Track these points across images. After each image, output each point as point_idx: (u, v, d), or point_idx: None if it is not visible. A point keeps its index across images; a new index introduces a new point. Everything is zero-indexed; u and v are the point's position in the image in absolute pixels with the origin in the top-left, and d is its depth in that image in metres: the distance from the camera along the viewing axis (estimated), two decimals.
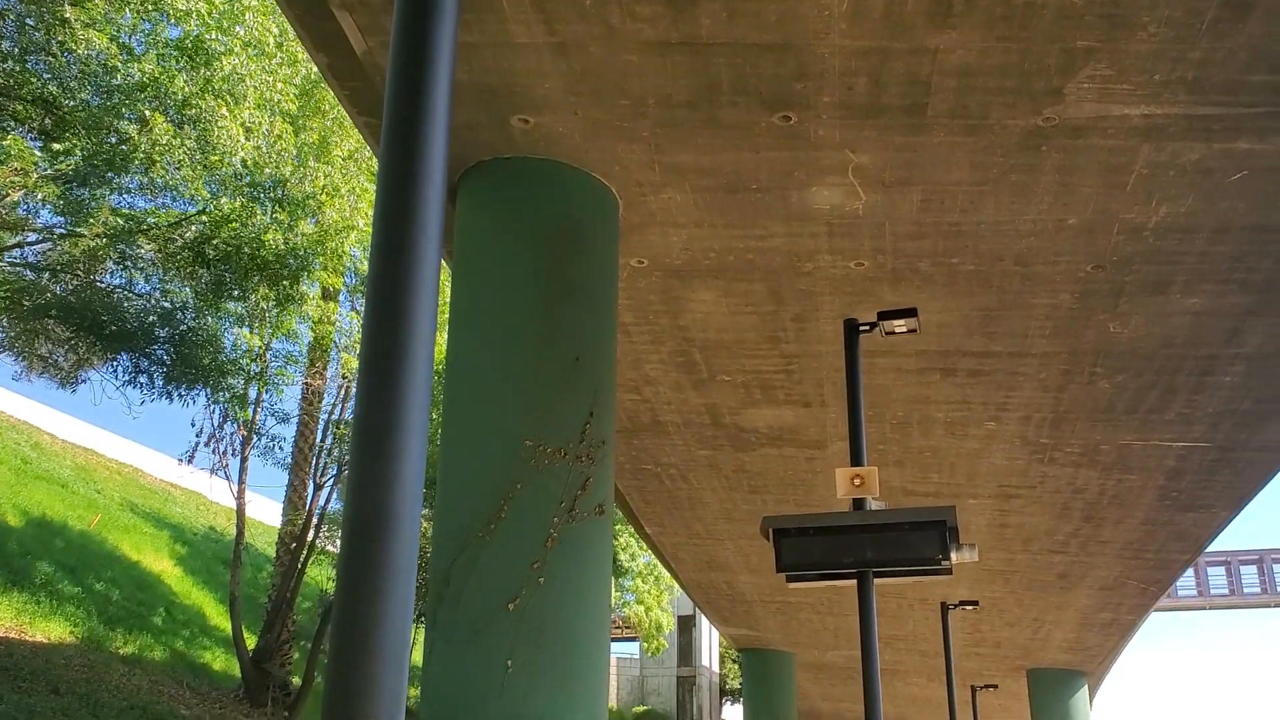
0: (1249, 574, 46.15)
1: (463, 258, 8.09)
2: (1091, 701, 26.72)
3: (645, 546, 28.62)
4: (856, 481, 5.54)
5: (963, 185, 7.88)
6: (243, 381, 14.35)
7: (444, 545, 7.29)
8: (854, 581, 5.54)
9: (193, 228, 12.63)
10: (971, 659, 23.11)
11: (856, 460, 5.74)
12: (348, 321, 17.06)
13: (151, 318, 13.68)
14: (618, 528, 27.82)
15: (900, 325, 6.30)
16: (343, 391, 17.52)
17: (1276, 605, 46.50)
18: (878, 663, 5.39)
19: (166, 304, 13.92)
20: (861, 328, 6.30)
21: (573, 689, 6.93)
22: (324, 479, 17.63)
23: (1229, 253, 8.44)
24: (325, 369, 17.65)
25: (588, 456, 7.39)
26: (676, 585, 28.58)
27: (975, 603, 15.71)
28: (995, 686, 22.08)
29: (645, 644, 34.30)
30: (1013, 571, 16.84)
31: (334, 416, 17.63)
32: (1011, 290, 9.23)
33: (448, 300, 11.82)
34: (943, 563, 5.32)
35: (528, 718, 6.75)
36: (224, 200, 12.50)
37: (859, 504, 5.72)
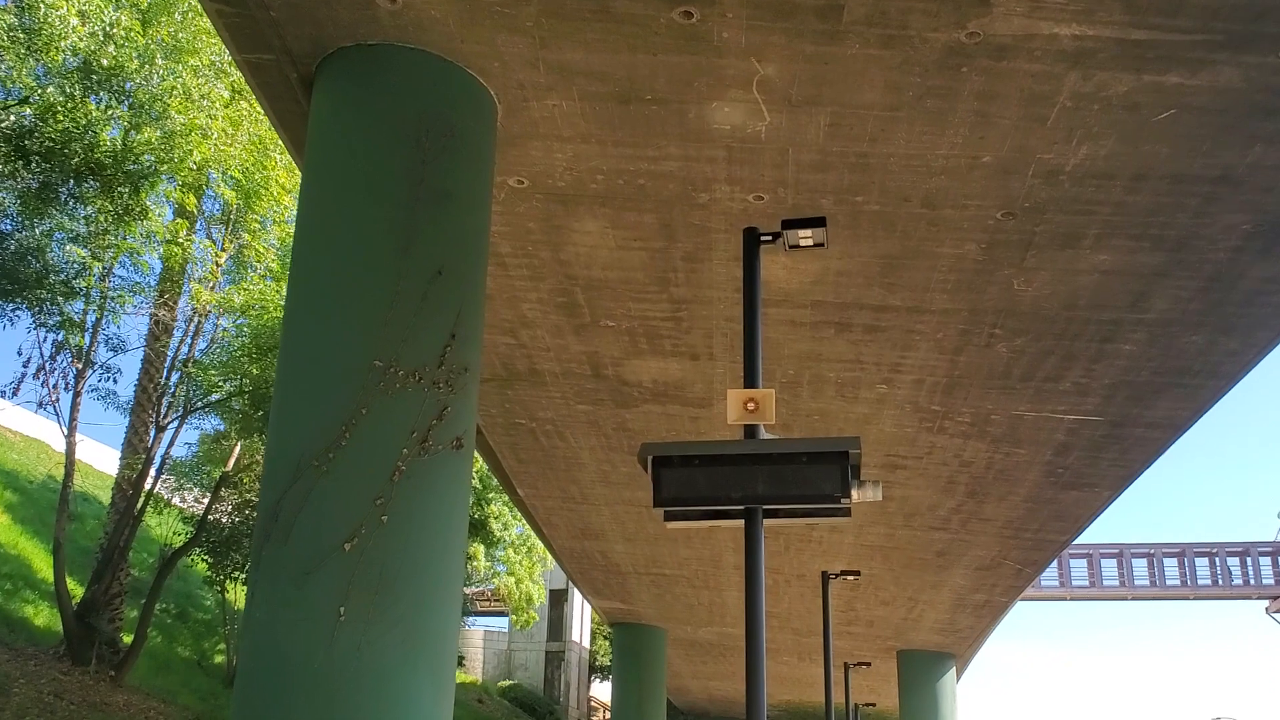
0: (1109, 566, 47.55)
1: (316, 155, 7.13)
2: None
3: (519, 516, 27.76)
4: (750, 405, 4.83)
5: (874, 109, 7.22)
6: (76, 305, 12.95)
7: (276, 475, 6.35)
8: (740, 523, 4.83)
9: (11, 117, 11.19)
10: (844, 638, 22.89)
11: (751, 381, 5.02)
12: (201, 250, 15.69)
13: None
14: (491, 495, 26.88)
15: (806, 236, 5.61)
16: (193, 326, 16.21)
17: (1135, 599, 48.01)
18: (763, 613, 4.70)
19: None
20: (763, 238, 5.60)
21: (415, 642, 6.08)
22: (167, 421, 16.28)
23: (1145, 204, 7.97)
24: (176, 302, 16.24)
25: (446, 383, 6.53)
26: (550, 558, 27.82)
27: (857, 572, 15.29)
28: (869, 664, 21.89)
29: (514, 617, 33.43)
30: (892, 548, 16.50)
31: (181, 355, 16.28)
32: (916, 236, 8.65)
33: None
34: (842, 501, 4.65)
35: (361, 672, 5.88)
36: (50, 90, 11.11)
37: (751, 432, 5.01)
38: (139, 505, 16.26)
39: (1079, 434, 12.05)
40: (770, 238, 5.65)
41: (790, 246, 5.73)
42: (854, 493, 4.70)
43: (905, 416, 11.91)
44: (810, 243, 5.69)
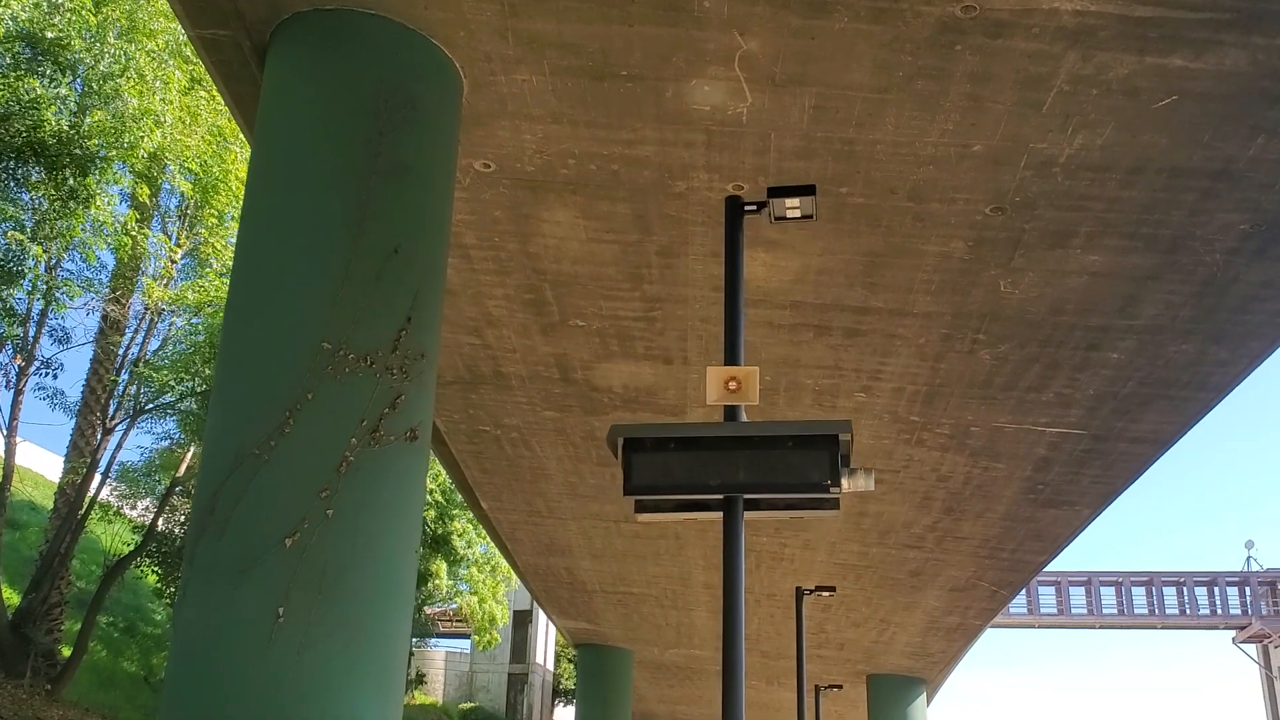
0: (1077, 594, 47.35)
1: (267, 124, 6.66)
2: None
3: (484, 534, 27.17)
4: (732, 385, 4.38)
5: (862, 91, 6.85)
6: (18, 295, 12.30)
7: (213, 464, 5.86)
8: (717, 516, 4.38)
9: None
10: (814, 661, 22.40)
11: (732, 359, 4.59)
12: (156, 245, 15.05)
13: None
14: (456, 511, 26.26)
15: (794, 206, 5.19)
16: (145, 324, 15.54)
17: (1102, 627, 47.82)
18: (743, 615, 4.23)
19: None
20: (747, 208, 5.18)
21: (360, 648, 5.58)
22: (115, 423, 15.60)
23: (1140, 200, 7.63)
24: (128, 298, 15.59)
25: (400, 369, 6.06)
26: (514, 577, 27.19)
27: (832, 588, 14.84)
28: (840, 687, 21.41)
29: (476, 638, 32.71)
30: (866, 566, 16.08)
31: (132, 354, 15.61)
32: (901, 232, 8.27)
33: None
34: (831, 490, 4.21)
35: (300, 679, 5.38)
36: None
37: (732, 413, 4.57)
38: (81, 511, 15.56)
39: (1060, 448, 11.69)
40: (755, 207, 5.23)
41: (776, 218, 5.32)
42: (844, 481, 4.28)
43: (884, 427, 11.52)
44: (798, 214, 5.27)
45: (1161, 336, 9.35)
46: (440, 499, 24.69)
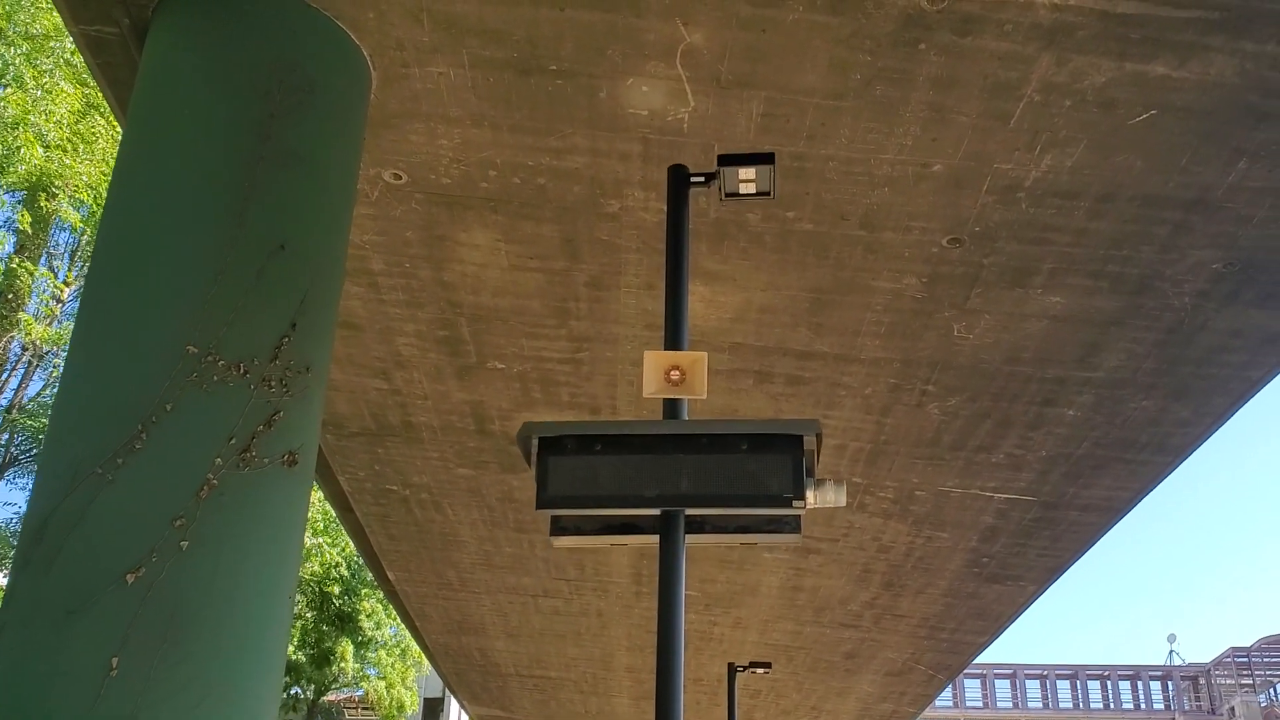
0: (1003, 688, 46.74)
1: (143, 102, 5.79)
2: None
3: (394, 614, 25.75)
4: (674, 374, 3.58)
5: (815, 96, 6.21)
6: None
7: (47, 485, 4.85)
8: (654, 540, 3.53)
9: None
10: None
11: (675, 342, 3.79)
12: (43, 283, 13.84)
13: None
14: (365, 590, 24.82)
15: (749, 179, 4.45)
16: (24, 365, 14.20)
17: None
18: (681, 659, 3.37)
19: None
20: (694, 179, 4.44)
21: (211, 710, 4.57)
22: None
23: (1109, 233, 7.08)
24: (4, 337, 14.27)
25: (280, 382, 5.16)
26: (426, 662, 25.72)
27: (768, 665, 13.88)
28: None
29: None
30: (799, 648, 15.20)
31: (5, 397, 14.31)
32: (851, 265, 7.62)
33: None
34: (794, 504, 3.41)
35: None
36: None
37: (673, 409, 3.75)
38: None
39: (1008, 516, 11.04)
40: (702, 179, 4.50)
41: (728, 194, 4.58)
42: (809, 494, 3.49)
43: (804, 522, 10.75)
44: (753, 189, 4.55)
45: (1121, 391, 8.77)
46: (346, 574, 23.29)
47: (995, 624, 13.96)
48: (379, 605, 25.68)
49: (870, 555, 12.11)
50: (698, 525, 3.60)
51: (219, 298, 5.14)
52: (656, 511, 3.49)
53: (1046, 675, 47.22)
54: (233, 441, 4.95)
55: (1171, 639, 49.76)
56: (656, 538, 3.53)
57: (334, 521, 22.05)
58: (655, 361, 3.67)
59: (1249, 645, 48.37)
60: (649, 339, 8.49)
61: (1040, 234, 7.17)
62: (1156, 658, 61.02)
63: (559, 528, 3.63)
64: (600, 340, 8.71)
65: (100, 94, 12.89)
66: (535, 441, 3.53)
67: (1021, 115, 6.23)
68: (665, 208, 7.21)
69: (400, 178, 7.13)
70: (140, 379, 4.92)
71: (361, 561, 21.48)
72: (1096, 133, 6.29)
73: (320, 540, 21.78)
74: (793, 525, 3.60)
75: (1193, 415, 9.00)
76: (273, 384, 5.15)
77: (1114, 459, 9.78)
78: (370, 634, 25.68)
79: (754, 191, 4.55)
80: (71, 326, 14.28)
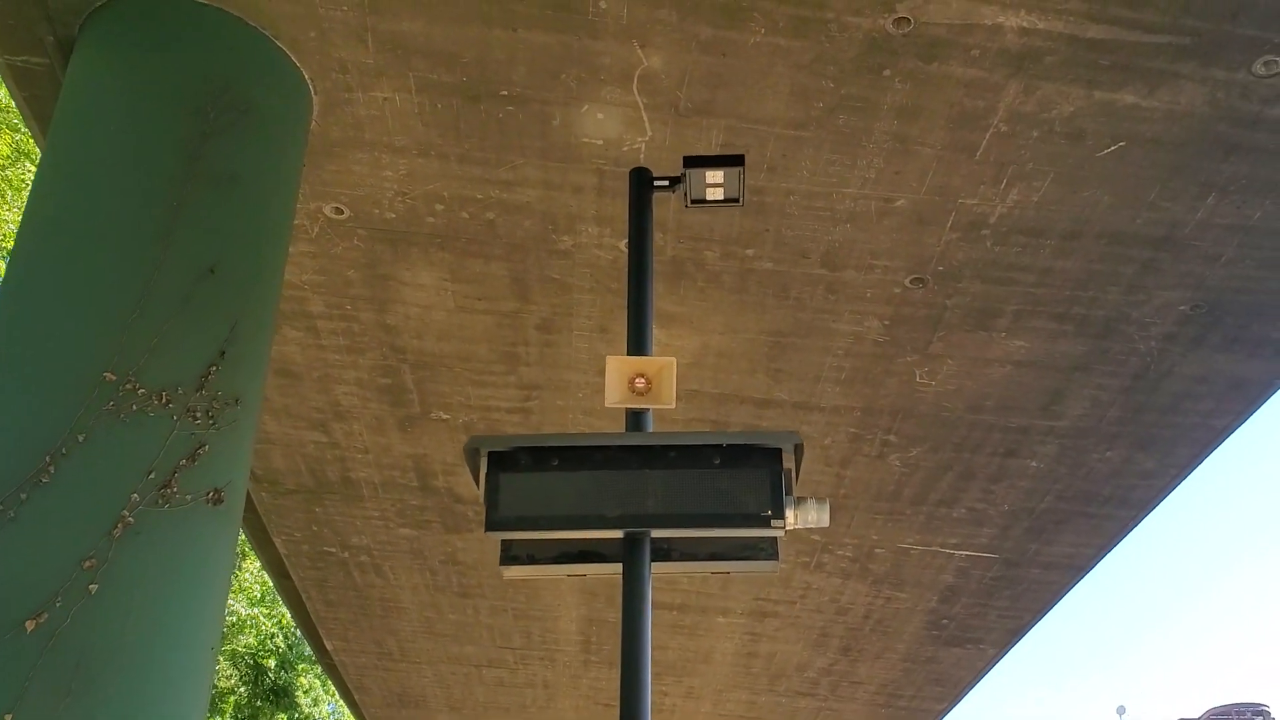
0: None
1: (65, 118, 5.41)
2: None
3: (332, 690, 24.75)
4: (639, 382, 3.23)
5: (776, 126, 6.00)
6: None
7: None
8: (615, 568, 3.16)
9: None
10: None
11: (639, 347, 3.45)
12: None
13: None
14: (303, 666, 23.86)
15: (715, 184, 4.16)
16: None
17: None
18: (648, 690, 2.99)
19: None
20: (658, 183, 4.15)
21: None
22: None
23: (1075, 273, 6.90)
24: None
25: (206, 414, 4.75)
26: None
27: None
28: None
29: None
30: (754, 718, 14.68)
31: None
32: (812, 307, 7.37)
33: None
34: (773, 524, 3.07)
35: None
36: None
37: (637, 421, 3.40)
38: None
39: (969, 575, 10.74)
40: (666, 183, 4.21)
41: (693, 200, 4.29)
42: (789, 513, 3.15)
43: (782, 547, 10.39)
44: (720, 195, 4.26)
45: (1085, 441, 8.56)
46: (284, 645, 22.37)
47: (954, 690, 13.58)
48: (317, 680, 24.67)
49: (828, 618, 11.73)
50: (664, 552, 3.24)
51: (140, 323, 4.73)
52: (619, 534, 3.13)
53: None
54: (152, 476, 4.51)
55: (1120, 711, 49.37)
56: (619, 567, 3.16)
57: (271, 591, 21.23)
58: (618, 368, 3.32)
59: (1198, 717, 48.32)
60: (600, 387, 8.15)
61: (1005, 273, 6.98)
62: None
63: (510, 556, 3.25)
64: (551, 387, 8.35)
65: (31, 140, 12.46)
66: (484, 456, 3.17)
67: (988, 147, 6.05)
68: (621, 244, 6.96)
69: (342, 212, 6.79)
70: (50, 407, 4.48)
71: (299, 634, 20.66)
72: (1064, 165, 6.13)
73: (257, 610, 20.95)
74: (770, 550, 3.27)
75: (1157, 466, 8.80)
76: (198, 415, 4.73)
77: (1077, 513, 9.55)
78: (307, 711, 24.62)
79: (722, 198, 4.26)
80: None
